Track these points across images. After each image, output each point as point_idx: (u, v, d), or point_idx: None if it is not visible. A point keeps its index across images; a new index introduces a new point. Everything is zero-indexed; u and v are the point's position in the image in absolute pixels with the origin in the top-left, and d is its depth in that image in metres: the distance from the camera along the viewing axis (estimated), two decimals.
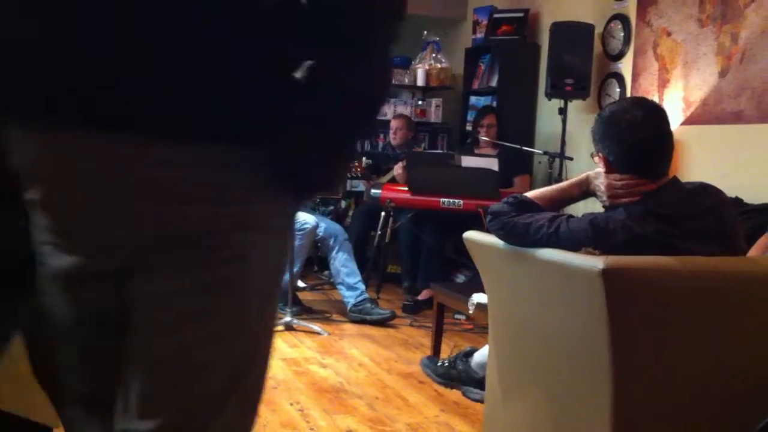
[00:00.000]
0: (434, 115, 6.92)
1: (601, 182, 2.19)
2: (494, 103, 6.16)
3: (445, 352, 3.83)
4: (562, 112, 5.31)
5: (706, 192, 2.15)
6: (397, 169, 5.62)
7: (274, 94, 0.99)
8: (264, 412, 3.11)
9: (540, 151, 5.43)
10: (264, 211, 1.06)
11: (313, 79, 1.00)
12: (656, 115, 2.13)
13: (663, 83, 4.83)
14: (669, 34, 4.80)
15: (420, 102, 6.94)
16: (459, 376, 3.47)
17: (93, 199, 0.98)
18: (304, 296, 5.24)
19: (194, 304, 1.02)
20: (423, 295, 5.15)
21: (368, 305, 4.77)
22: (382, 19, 1.07)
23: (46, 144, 0.97)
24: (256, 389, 1.11)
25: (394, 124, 6.15)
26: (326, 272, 5.78)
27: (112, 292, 1.01)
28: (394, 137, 6.10)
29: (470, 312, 3.50)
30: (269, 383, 3.51)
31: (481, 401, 3.27)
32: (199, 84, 0.96)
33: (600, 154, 2.17)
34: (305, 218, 4.79)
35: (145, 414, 1.04)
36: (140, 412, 1.04)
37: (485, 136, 5.58)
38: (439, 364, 3.60)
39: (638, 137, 2.10)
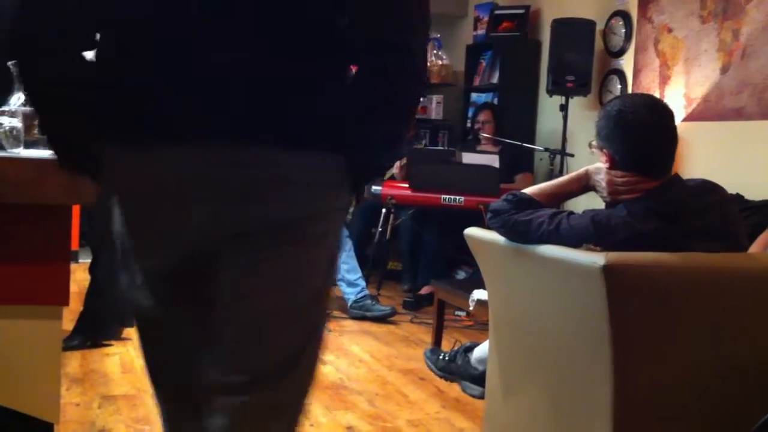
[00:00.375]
0: (435, 111, 6.91)
1: (601, 178, 2.18)
2: (495, 100, 6.15)
3: (447, 348, 3.83)
4: (564, 108, 5.31)
5: (707, 189, 2.15)
6: (396, 168, 5.63)
7: (352, 110, 1.23)
8: None
9: (541, 148, 5.42)
10: (341, 204, 1.31)
11: (372, 87, 1.25)
12: (665, 116, 2.12)
13: (664, 80, 4.82)
14: (670, 31, 4.79)
15: (421, 98, 6.94)
16: (458, 371, 3.48)
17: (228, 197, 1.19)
18: None
19: (283, 277, 1.23)
20: (424, 292, 5.15)
21: (369, 302, 4.77)
22: (418, 22, 1.26)
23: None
24: (321, 345, 1.35)
25: None
26: None
27: (209, 274, 1.22)
28: None
29: (471, 308, 3.50)
30: None
31: (478, 397, 3.27)
32: (307, 104, 1.20)
33: (604, 150, 2.16)
34: None
35: (236, 369, 1.23)
36: (232, 368, 1.23)
37: (485, 133, 5.57)
38: (441, 356, 3.61)
39: (647, 140, 2.10)
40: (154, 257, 1.29)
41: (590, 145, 2.24)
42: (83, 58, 1.25)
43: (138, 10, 1.17)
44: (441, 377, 3.54)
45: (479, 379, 3.15)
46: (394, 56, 1.24)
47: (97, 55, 1.24)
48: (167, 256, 1.26)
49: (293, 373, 1.28)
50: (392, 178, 5.55)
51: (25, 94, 1.36)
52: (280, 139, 1.18)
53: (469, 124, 6.30)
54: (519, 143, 5.28)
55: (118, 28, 1.21)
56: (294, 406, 1.32)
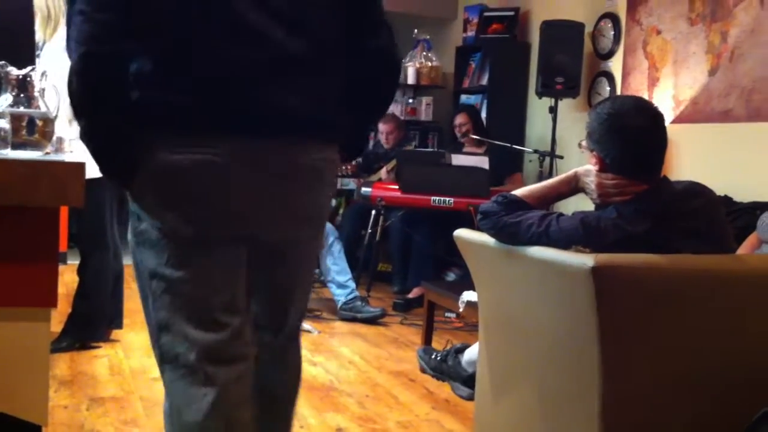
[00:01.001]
0: (425, 113, 6.92)
1: (591, 180, 2.19)
2: (484, 102, 6.16)
3: (440, 348, 3.83)
4: (553, 110, 5.32)
5: (695, 192, 2.16)
6: (384, 173, 5.65)
7: (353, 117, 1.72)
8: None
9: (530, 150, 5.43)
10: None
11: (369, 94, 1.77)
12: (656, 120, 2.12)
13: (653, 82, 4.84)
14: (659, 33, 4.81)
15: (411, 101, 6.94)
16: (449, 371, 3.48)
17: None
18: None
19: (312, 252, 1.83)
20: (413, 293, 5.15)
21: (359, 303, 4.77)
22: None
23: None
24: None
25: (384, 128, 6.14)
26: (317, 271, 5.78)
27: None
28: (387, 141, 6.08)
29: (461, 310, 3.51)
30: None
31: (467, 398, 3.27)
32: (336, 117, 1.67)
33: (594, 153, 2.16)
34: None
35: (295, 313, 1.83)
36: (294, 313, 1.82)
37: (465, 135, 5.59)
38: (433, 356, 3.61)
39: (638, 145, 2.10)
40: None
41: (580, 145, 2.24)
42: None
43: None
44: (433, 377, 3.54)
45: (469, 380, 3.16)
46: (387, 67, 1.73)
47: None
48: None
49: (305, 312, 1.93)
50: (380, 181, 5.55)
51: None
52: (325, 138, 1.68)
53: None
54: (503, 144, 5.28)
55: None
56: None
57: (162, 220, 1.58)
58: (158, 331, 1.63)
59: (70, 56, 1.51)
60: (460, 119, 5.69)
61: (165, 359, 1.62)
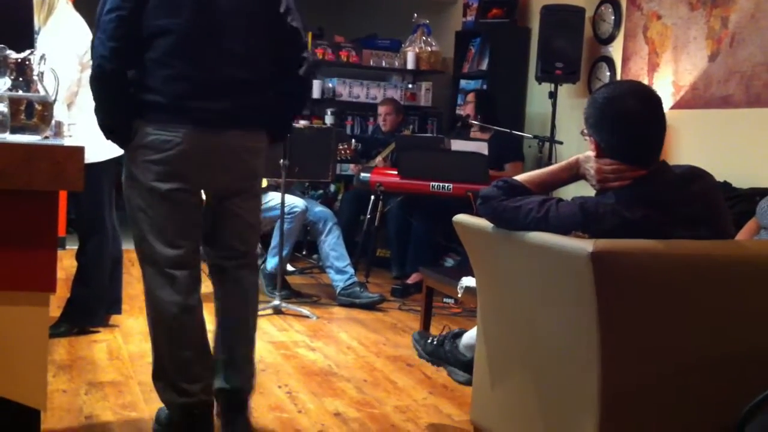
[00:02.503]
0: (424, 98, 6.91)
1: (591, 166, 2.18)
2: (484, 87, 6.14)
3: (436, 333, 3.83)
4: (552, 96, 5.31)
5: (694, 176, 2.15)
6: (379, 161, 5.65)
7: (284, 111, 2.69)
8: (252, 394, 3.12)
9: (530, 135, 5.42)
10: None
11: (294, 98, 2.69)
12: (653, 104, 2.11)
13: (653, 67, 4.83)
14: (659, 18, 4.80)
15: (410, 86, 6.93)
16: (446, 356, 3.47)
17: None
18: (293, 280, 5.23)
19: (251, 199, 2.62)
20: (412, 279, 5.16)
21: (357, 289, 4.77)
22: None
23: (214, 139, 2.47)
24: None
25: (382, 110, 6.13)
26: (315, 256, 5.78)
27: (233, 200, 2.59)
28: (384, 123, 6.09)
29: (459, 296, 3.50)
30: (258, 366, 3.52)
31: (464, 383, 3.27)
32: (263, 116, 2.56)
33: (592, 138, 2.16)
34: (294, 202, 4.78)
35: (243, 244, 2.63)
36: (242, 244, 2.62)
37: (467, 114, 5.56)
38: (429, 341, 3.60)
39: (634, 129, 2.08)
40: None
41: (582, 133, 2.23)
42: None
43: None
44: (428, 361, 3.53)
45: (467, 365, 3.15)
46: (305, 87, 2.75)
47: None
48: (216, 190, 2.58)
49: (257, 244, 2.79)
50: (376, 167, 5.55)
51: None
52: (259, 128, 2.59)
53: (459, 111, 6.32)
54: (508, 130, 5.28)
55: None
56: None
57: (143, 173, 2.43)
58: (140, 241, 2.50)
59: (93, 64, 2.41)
60: (468, 98, 5.70)
61: (144, 261, 2.52)
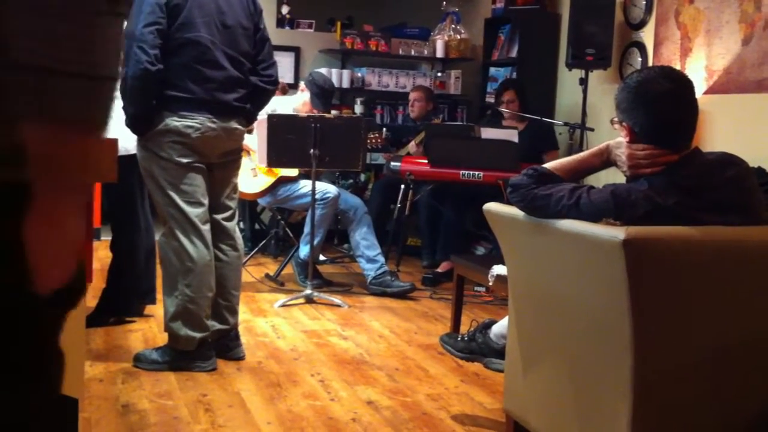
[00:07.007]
0: (453, 87, 6.87)
1: (622, 152, 2.17)
2: (514, 74, 6.10)
3: (465, 324, 3.83)
4: (583, 82, 5.26)
5: (728, 162, 2.13)
6: (412, 147, 5.63)
7: (254, 105, 3.52)
8: (285, 383, 3.14)
9: (561, 123, 5.38)
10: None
11: (262, 95, 3.48)
12: (685, 87, 2.10)
13: (685, 52, 4.77)
14: (691, 2, 4.73)
15: (439, 74, 6.89)
16: (479, 349, 3.46)
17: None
18: (325, 269, 5.26)
19: (235, 166, 3.43)
20: (442, 268, 5.15)
21: (388, 278, 4.79)
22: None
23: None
24: None
25: (412, 96, 6.12)
26: (346, 245, 5.80)
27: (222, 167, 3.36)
28: (412, 109, 6.08)
29: (490, 284, 3.49)
30: (291, 355, 3.54)
31: (503, 371, 3.27)
32: (246, 107, 3.35)
33: (624, 124, 2.14)
34: (326, 188, 4.80)
35: (232, 201, 3.40)
36: (231, 201, 3.39)
37: (510, 112, 5.50)
38: (459, 338, 3.60)
39: (667, 111, 2.08)
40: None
41: (612, 122, 2.22)
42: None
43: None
44: (461, 359, 3.52)
45: (502, 353, 3.14)
46: (272, 84, 3.39)
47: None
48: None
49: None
50: (408, 155, 5.54)
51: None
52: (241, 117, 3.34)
53: (489, 99, 6.27)
54: (543, 119, 5.23)
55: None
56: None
57: (168, 152, 3.11)
58: (170, 208, 3.14)
59: (128, 64, 2.97)
60: (508, 96, 5.51)
61: (177, 223, 3.14)
